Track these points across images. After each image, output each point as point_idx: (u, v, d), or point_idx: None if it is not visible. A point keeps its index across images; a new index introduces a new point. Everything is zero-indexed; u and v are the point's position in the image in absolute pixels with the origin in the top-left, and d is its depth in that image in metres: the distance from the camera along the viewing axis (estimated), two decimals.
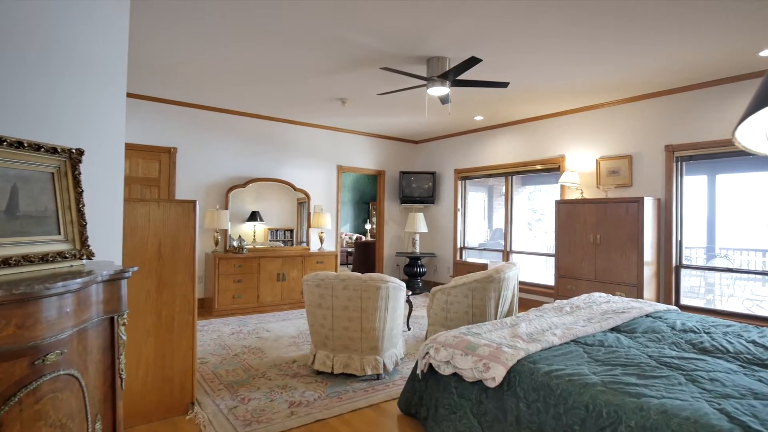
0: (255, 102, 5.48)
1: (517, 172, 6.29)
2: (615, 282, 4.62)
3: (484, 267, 6.21)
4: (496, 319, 3.65)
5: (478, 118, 6.11)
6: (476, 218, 7.18)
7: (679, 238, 4.70)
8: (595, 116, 5.34)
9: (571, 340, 2.53)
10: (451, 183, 7.27)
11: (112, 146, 1.94)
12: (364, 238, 10.92)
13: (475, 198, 7.21)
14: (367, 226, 11.67)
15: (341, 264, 9.64)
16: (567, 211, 5.08)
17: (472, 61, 3.40)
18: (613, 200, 4.69)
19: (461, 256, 7.14)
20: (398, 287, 3.29)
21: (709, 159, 4.52)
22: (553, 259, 5.37)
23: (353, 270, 8.54)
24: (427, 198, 7.38)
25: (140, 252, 2.48)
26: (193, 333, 2.67)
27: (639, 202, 4.49)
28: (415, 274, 7.02)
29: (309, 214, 6.44)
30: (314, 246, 6.46)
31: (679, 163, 4.69)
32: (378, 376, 3.27)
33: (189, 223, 2.64)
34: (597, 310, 3.19)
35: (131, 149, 5.08)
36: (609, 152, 5.22)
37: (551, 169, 5.85)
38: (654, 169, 4.83)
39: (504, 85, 3.92)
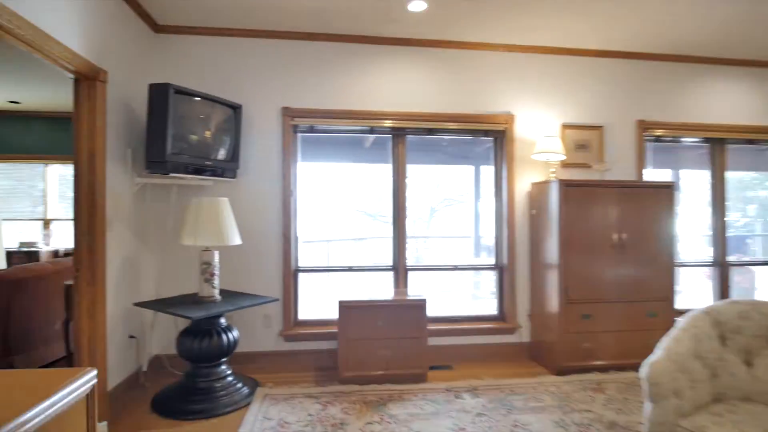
0: None
1: (420, 131, 3.70)
2: (646, 299, 3.30)
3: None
4: None
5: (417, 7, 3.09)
6: (319, 208, 3.85)
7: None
8: (558, 64, 3.76)
9: None
10: (273, 133, 3.53)
11: None
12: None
13: (324, 170, 3.85)
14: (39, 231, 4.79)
15: None
16: (577, 198, 3.26)
17: None
18: (639, 184, 3.33)
19: (296, 286, 3.63)
20: None
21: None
22: (494, 273, 3.38)
23: None
24: (222, 163, 3.27)
25: None
26: None
27: (671, 186, 3.37)
28: (216, 350, 2.77)
29: None
30: None
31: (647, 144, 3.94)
32: None
33: None
34: None
35: None
36: (575, 119, 3.80)
37: (489, 132, 3.75)
38: (626, 148, 3.84)
39: None
